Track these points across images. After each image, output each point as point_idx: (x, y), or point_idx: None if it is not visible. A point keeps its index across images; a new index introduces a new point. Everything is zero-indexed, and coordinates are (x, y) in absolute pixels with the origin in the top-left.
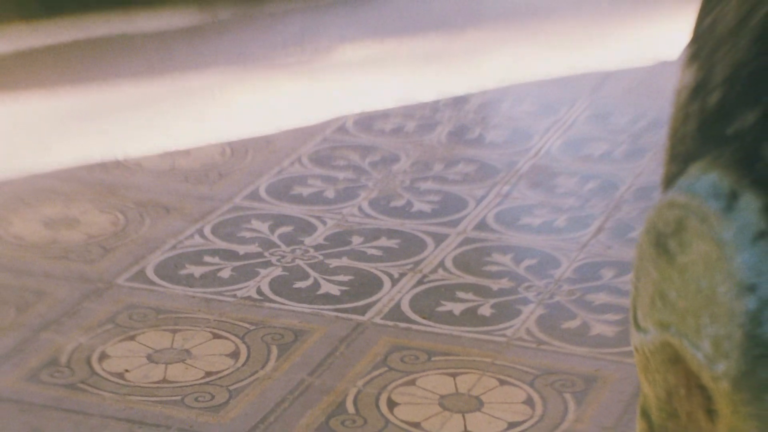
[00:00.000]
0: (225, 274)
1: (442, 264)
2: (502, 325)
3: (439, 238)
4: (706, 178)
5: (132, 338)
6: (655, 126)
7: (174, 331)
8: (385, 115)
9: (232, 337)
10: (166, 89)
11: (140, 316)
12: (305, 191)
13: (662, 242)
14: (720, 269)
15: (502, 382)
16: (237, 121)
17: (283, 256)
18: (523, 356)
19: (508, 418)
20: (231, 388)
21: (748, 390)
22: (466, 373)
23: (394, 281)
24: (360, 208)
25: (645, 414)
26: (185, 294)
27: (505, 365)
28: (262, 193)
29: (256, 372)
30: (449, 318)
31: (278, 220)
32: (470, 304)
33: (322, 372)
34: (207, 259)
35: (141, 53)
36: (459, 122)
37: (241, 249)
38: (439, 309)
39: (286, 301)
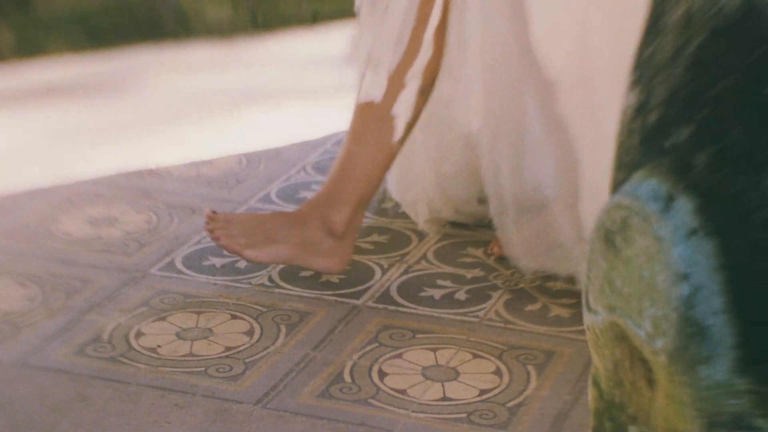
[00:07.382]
0: (242, 265)
1: (424, 256)
2: (475, 308)
3: (422, 235)
4: (647, 183)
5: (163, 319)
6: None
7: (199, 313)
8: None
9: (248, 318)
10: (191, 109)
11: (170, 300)
12: (310, 195)
13: (610, 238)
14: (659, 261)
15: (475, 356)
16: (252, 136)
17: None
18: (492, 334)
19: (480, 386)
20: (246, 360)
21: (682, 362)
22: (444, 348)
23: (384, 270)
24: None
25: (595, 383)
26: (208, 282)
27: (477, 341)
28: (273, 197)
29: (268, 347)
30: (430, 302)
31: None
32: (448, 290)
33: (323, 347)
34: (226, 252)
35: (171, 79)
36: None
37: None
38: (422, 294)
39: (293, 288)
